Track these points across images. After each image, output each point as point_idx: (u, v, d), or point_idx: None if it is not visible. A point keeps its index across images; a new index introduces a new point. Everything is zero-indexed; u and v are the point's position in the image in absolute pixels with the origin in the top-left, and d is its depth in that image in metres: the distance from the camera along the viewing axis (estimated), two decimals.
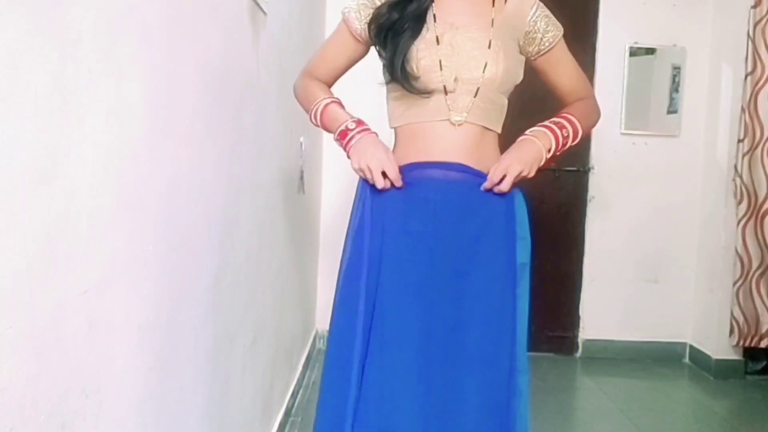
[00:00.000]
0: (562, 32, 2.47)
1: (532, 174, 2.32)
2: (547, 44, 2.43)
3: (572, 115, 2.43)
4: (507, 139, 2.43)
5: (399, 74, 2.28)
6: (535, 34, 2.42)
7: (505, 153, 2.35)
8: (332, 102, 2.44)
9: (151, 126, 1.66)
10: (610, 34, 5.73)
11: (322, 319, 5.69)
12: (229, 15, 2.39)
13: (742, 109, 5.19)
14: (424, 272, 2.26)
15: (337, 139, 2.39)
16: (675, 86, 5.75)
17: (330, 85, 2.56)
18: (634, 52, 5.72)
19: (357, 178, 2.38)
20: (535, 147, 2.32)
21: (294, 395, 4.29)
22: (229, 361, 2.55)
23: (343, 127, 2.35)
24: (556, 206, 5.68)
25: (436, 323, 2.25)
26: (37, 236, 1.15)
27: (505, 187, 2.28)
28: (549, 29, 2.43)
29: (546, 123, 2.41)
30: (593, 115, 2.57)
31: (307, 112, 2.53)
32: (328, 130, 2.43)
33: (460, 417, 2.25)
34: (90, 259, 1.35)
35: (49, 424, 1.22)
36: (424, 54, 2.28)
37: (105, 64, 1.38)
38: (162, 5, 1.71)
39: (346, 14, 2.45)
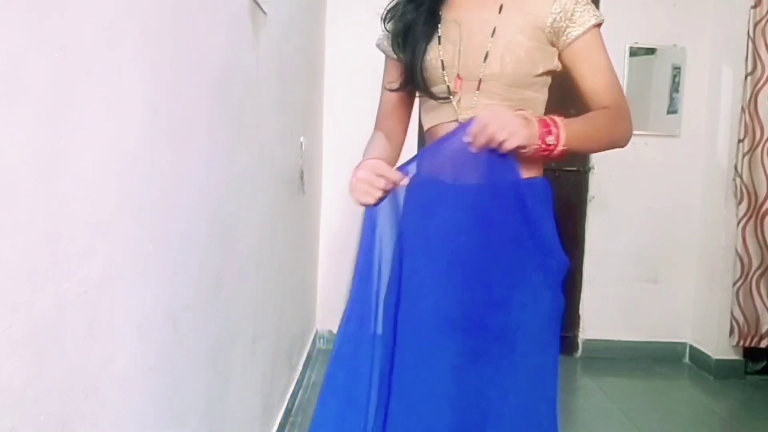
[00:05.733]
0: (596, 21, 2.16)
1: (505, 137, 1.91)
2: (574, 34, 2.13)
3: (577, 120, 2.10)
4: None
5: (419, 81, 2.17)
6: (561, 23, 2.12)
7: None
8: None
9: (152, 126, 1.66)
10: (609, 33, 5.63)
11: (323, 319, 5.69)
12: (230, 15, 2.39)
13: (742, 109, 5.19)
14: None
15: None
16: (675, 86, 5.76)
17: (400, 131, 2.36)
18: (634, 52, 5.72)
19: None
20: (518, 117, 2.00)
21: (294, 395, 4.29)
22: (229, 361, 2.55)
23: None
24: (556, 206, 5.66)
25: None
26: (37, 236, 1.15)
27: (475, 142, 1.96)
28: (576, 17, 2.13)
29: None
30: (611, 128, 2.24)
31: None
32: None
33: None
34: (90, 259, 1.35)
35: (49, 424, 1.22)
36: (428, 56, 2.17)
37: (105, 65, 1.38)
38: (162, 6, 1.71)
39: (381, 47, 2.33)
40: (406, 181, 2.08)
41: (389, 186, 2.04)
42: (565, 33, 2.13)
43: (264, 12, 2.83)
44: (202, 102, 2.09)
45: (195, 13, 1.98)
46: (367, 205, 2.07)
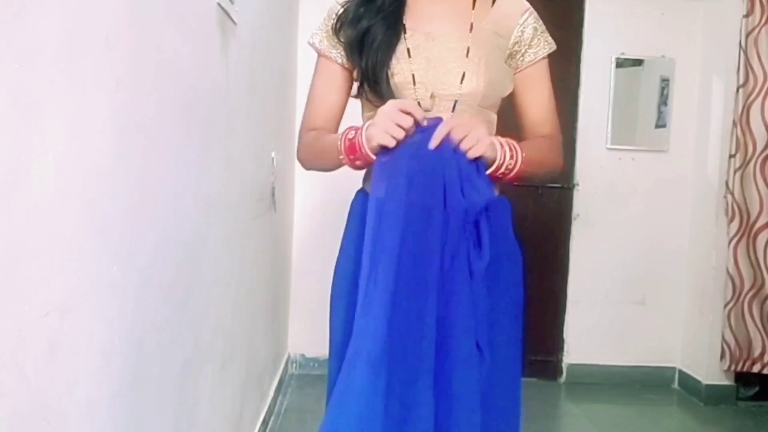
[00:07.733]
0: (549, 51, 2.28)
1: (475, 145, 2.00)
2: (528, 59, 2.25)
3: (525, 146, 2.14)
4: None
5: (383, 90, 2.13)
6: (519, 46, 2.24)
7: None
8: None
9: (116, 140, 1.66)
10: (595, 44, 5.76)
11: (295, 343, 5.68)
12: (198, 25, 2.39)
13: (734, 123, 5.22)
14: None
15: (346, 155, 2.08)
16: (663, 99, 5.79)
17: (335, 130, 2.28)
18: (620, 64, 5.76)
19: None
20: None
21: (265, 422, 4.28)
22: (197, 387, 2.54)
23: (348, 138, 2.08)
24: (539, 225, 5.69)
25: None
26: None
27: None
28: (534, 43, 2.25)
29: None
30: (552, 158, 2.31)
31: (328, 166, 2.28)
32: (334, 160, 2.16)
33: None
34: (52, 280, 1.35)
35: None
36: (396, 69, 2.15)
37: (68, 75, 1.39)
38: (127, 15, 1.72)
39: (317, 45, 2.29)
40: (426, 123, 2.02)
41: (410, 125, 1.98)
42: (522, 56, 2.26)
43: (234, 22, 2.84)
44: (169, 115, 2.09)
45: (161, 23, 1.99)
46: (385, 147, 1.99)
